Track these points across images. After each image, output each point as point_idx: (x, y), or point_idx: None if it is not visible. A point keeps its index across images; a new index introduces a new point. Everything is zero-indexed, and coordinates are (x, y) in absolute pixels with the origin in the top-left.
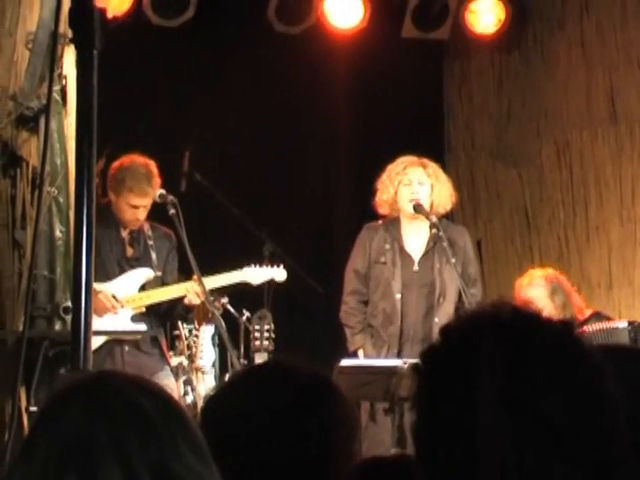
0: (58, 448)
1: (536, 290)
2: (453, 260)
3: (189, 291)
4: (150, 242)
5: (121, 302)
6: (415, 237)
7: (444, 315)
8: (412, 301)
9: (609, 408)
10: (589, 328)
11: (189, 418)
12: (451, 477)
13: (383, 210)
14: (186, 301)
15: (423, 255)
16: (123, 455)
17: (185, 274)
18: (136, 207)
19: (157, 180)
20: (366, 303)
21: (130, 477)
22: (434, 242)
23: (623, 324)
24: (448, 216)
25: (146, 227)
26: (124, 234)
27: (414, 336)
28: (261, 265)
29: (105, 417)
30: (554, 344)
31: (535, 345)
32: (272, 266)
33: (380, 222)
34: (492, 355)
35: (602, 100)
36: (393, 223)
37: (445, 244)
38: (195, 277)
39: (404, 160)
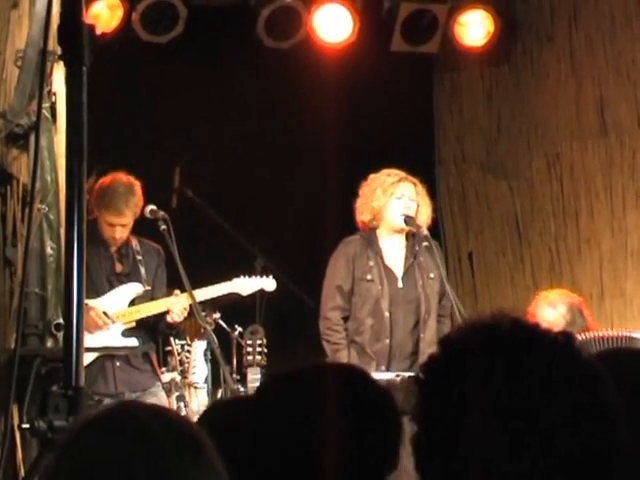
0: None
1: (557, 313)
2: (432, 275)
3: (174, 305)
4: (139, 257)
5: (112, 318)
6: (394, 253)
7: (429, 330)
8: (400, 318)
9: (608, 419)
10: (601, 334)
11: (205, 444)
12: None
13: (364, 217)
14: (168, 319)
15: (405, 271)
16: (129, 477)
17: (177, 289)
18: (112, 225)
19: (137, 201)
20: (346, 319)
21: None
22: (413, 257)
23: (637, 334)
24: (439, 228)
25: (134, 242)
26: (112, 250)
27: (402, 352)
28: (250, 276)
29: (116, 440)
30: (552, 355)
31: (533, 356)
32: (262, 277)
33: (358, 236)
34: (490, 366)
35: (592, 112)
36: (370, 237)
37: (422, 258)
38: (178, 292)
39: (395, 173)
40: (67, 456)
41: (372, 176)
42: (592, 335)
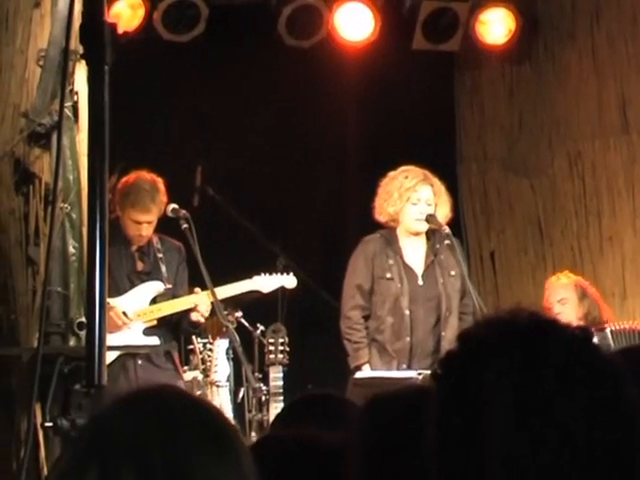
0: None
1: (567, 292)
2: (453, 272)
3: (198, 303)
4: (159, 255)
5: (131, 318)
6: (414, 251)
7: (451, 328)
8: (420, 316)
9: (627, 415)
10: (614, 327)
11: (235, 443)
12: None
13: (382, 218)
14: (193, 317)
15: (425, 269)
16: (142, 456)
17: (197, 287)
18: (139, 223)
19: (162, 197)
20: (367, 318)
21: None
22: (434, 255)
23: None
24: (460, 226)
25: (155, 240)
26: (133, 248)
27: (423, 350)
28: (271, 274)
29: (137, 419)
30: (570, 350)
31: (551, 351)
32: (283, 274)
33: (378, 235)
34: (508, 360)
35: (613, 110)
36: (390, 236)
37: (442, 257)
38: (198, 289)
39: (413, 175)
40: (88, 425)
41: (391, 175)
42: (616, 328)
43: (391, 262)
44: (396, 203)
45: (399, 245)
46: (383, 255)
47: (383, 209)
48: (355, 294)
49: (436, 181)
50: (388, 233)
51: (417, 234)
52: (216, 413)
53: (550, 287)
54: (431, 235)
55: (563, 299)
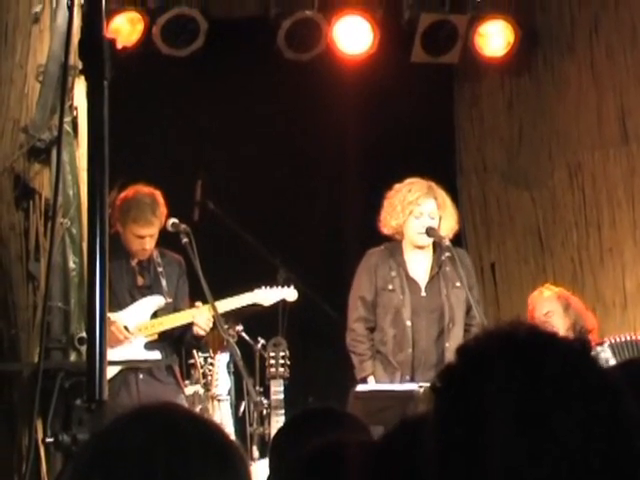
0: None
1: (551, 304)
2: (458, 284)
3: (197, 318)
4: (160, 269)
5: (133, 333)
6: (418, 263)
7: (455, 339)
8: (422, 327)
9: (625, 429)
10: (613, 339)
11: (237, 457)
12: None
13: (387, 231)
14: (194, 331)
15: (429, 281)
16: (146, 471)
17: (199, 301)
18: (142, 237)
19: (162, 209)
20: (372, 330)
21: None
22: (438, 267)
23: None
24: (461, 238)
25: (155, 254)
26: (134, 263)
27: (426, 362)
28: (272, 287)
29: (141, 432)
30: (570, 364)
31: (550, 364)
32: (284, 287)
33: (382, 247)
34: (508, 373)
35: (613, 121)
36: (395, 248)
37: (447, 268)
38: (199, 304)
39: (416, 188)
40: (92, 440)
41: (396, 187)
42: (616, 340)
43: (393, 274)
44: (399, 216)
45: (403, 257)
46: (386, 267)
47: (387, 222)
48: (358, 306)
49: (441, 193)
50: (393, 245)
51: (421, 247)
52: (218, 430)
53: (533, 302)
54: (437, 247)
55: (549, 312)
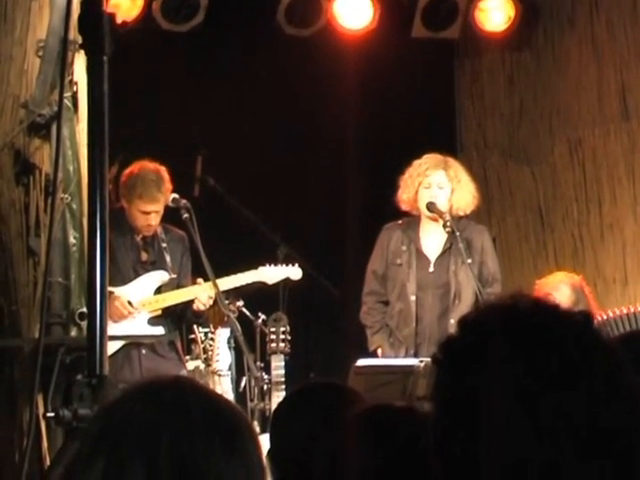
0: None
1: (561, 295)
2: (469, 261)
3: (199, 294)
4: (164, 245)
5: (137, 308)
6: (432, 238)
7: (459, 316)
8: (427, 303)
9: (628, 403)
10: (612, 313)
11: (245, 436)
12: (467, 471)
13: (404, 207)
14: (194, 307)
15: (439, 256)
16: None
17: (200, 278)
18: (147, 213)
19: (168, 185)
20: (386, 303)
21: (153, 470)
22: (451, 243)
23: None
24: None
25: (159, 230)
26: (138, 239)
27: (430, 337)
28: (275, 265)
29: (146, 405)
30: (572, 336)
31: (553, 337)
32: (287, 265)
33: (400, 222)
34: (510, 346)
35: (614, 97)
36: (412, 223)
37: (460, 245)
38: (200, 280)
39: (428, 161)
40: (100, 413)
41: (415, 162)
42: (611, 315)
43: (404, 248)
44: (410, 190)
45: (417, 232)
46: (398, 242)
47: (400, 197)
48: (371, 280)
49: (456, 167)
50: (410, 220)
51: (435, 219)
52: (229, 410)
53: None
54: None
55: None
